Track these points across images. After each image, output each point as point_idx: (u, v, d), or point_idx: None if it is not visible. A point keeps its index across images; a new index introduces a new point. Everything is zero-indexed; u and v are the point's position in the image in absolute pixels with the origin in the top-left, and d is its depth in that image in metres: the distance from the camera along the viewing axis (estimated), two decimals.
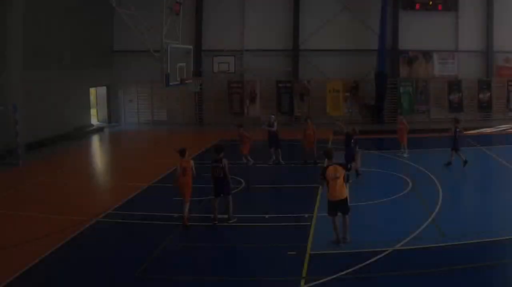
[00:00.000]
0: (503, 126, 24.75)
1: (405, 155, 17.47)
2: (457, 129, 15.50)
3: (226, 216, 10.92)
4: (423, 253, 8.99)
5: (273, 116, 17.66)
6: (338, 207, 9.44)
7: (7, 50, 18.14)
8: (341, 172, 9.37)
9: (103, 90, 27.97)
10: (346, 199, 9.51)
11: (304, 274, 8.27)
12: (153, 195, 13.61)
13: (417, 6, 26.25)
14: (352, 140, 14.14)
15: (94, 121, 27.39)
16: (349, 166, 9.60)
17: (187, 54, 19.78)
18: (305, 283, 7.94)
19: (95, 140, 23.54)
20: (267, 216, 11.33)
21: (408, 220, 10.82)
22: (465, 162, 15.24)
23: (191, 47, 19.97)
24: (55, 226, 10.78)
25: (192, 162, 10.95)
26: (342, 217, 9.48)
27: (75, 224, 10.91)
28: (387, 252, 8.97)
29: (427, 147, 19.61)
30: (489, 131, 23.83)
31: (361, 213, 11.26)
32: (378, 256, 8.80)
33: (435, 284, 7.94)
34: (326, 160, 9.68)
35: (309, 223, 10.69)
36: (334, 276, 8.09)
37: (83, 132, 24.25)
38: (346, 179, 9.51)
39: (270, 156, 16.79)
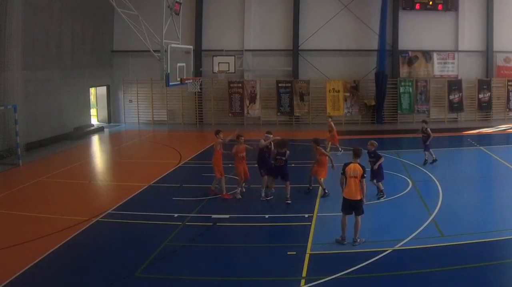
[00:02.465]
0: (503, 126, 24.76)
1: (339, 153, 17.43)
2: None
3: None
4: (423, 253, 9.00)
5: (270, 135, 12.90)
6: (351, 206, 9.41)
7: (7, 50, 18.13)
8: (359, 172, 9.34)
9: (103, 90, 28.01)
10: (360, 200, 9.41)
11: (304, 274, 8.27)
12: (153, 195, 13.59)
13: (417, 6, 26.23)
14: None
15: (94, 121, 27.41)
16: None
17: (187, 54, 19.78)
18: (305, 283, 7.94)
19: (95, 140, 23.52)
20: (267, 216, 11.35)
21: (408, 220, 10.83)
22: (435, 161, 16.23)
23: (191, 47, 19.96)
24: (55, 226, 10.78)
25: (218, 141, 12.71)
26: (355, 217, 9.44)
27: (75, 224, 10.91)
28: (387, 252, 8.98)
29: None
30: (489, 131, 23.83)
31: None
32: (378, 256, 8.81)
33: (435, 284, 7.94)
34: (352, 157, 9.62)
35: (309, 223, 10.69)
36: (334, 276, 8.10)
37: (83, 132, 24.25)
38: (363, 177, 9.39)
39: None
